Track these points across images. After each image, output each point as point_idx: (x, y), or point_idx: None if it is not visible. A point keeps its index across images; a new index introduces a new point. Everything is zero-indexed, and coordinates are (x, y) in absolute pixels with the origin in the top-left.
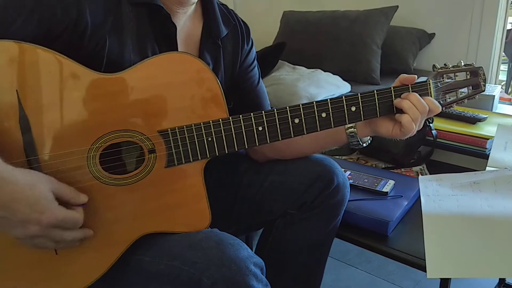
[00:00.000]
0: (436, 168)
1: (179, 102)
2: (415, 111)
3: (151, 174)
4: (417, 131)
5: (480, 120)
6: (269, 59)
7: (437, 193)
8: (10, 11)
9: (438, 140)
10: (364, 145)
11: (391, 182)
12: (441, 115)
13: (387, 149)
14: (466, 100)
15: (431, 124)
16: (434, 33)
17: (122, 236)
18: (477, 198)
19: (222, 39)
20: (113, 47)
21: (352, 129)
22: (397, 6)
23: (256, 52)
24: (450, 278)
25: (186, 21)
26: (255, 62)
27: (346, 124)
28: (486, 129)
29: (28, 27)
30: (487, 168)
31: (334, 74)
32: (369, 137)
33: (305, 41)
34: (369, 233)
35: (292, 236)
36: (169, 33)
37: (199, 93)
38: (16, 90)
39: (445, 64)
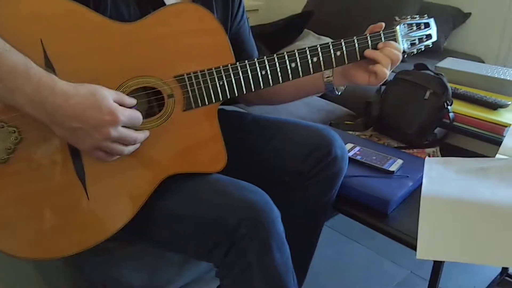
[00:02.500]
0: (450, 151)
1: (191, 50)
2: (387, 59)
3: (171, 118)
4: (434, 113)
5: (502, 106)
6: (294, 28)
7: (441, 176)
8: None
9: (454, 123)
10: (339, 93)
11: (399, 162)
12: (461, 98)
13: (401, 128)
14: (423, 47)
15: (449, 107)
16: (470, 13)
17: (148, 178)
18: (480, 184)
19: None
20: (115, 4)
21: (329, 78)
22: None
23: (282, 19)
24: (443, 262)
25: None
26: (245, 15)
27: (333, 67)
28: (506, 116)
29: None
30: (497, 156)
31: None
32: (344, 87)
33: (334, 12)
34: (370, 210)
35: (287, 203)
36: None
37: (208, 40)
38: (40, 39)
39: (404, 16)
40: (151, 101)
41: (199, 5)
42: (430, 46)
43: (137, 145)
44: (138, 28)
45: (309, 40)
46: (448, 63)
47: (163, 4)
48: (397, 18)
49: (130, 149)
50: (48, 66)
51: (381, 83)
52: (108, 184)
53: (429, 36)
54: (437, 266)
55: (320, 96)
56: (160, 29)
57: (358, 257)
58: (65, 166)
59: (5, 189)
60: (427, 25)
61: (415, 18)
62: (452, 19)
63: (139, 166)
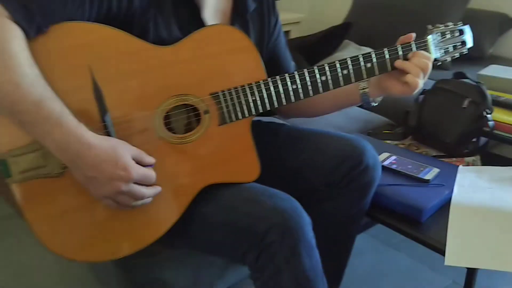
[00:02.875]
0: (490, 160)
1: (225, 68)
2: (416, 69)
3: (207, 132)
4: (473, 121)
5: None
6: (333, 39)
7: (472, 184)
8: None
9: (495, 131)
10: (376, 104)
11: (435, 170)
12: (503, 106)
13: (439, 137)
14: (458, 54)
15: (489, 115)
16: None
17: (187, 188)
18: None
19: (251, 13)
20: (157, 28)
21: (365, 89)
22: None
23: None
24: (477, 269)
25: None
26: (282, 32)
27: (364, 79)
28: None
29: (90, 9)
30: None
31: None
32: (380, 98)
33: (375, 21)
34: (404, 218)
35: (320, 212)
36: (194, 12)
37: (240, 59)
38: (89, 66)
39: (436, 25)
40: (190, 117)
41: (232, 26)
42: (466, 52)
43: (148, 200)
44: (176, 51)
45: (349, 50)
46: (490, 70)
47: (203, 25)
48: (429, 27)
49: (138, 203)
50: (96, 89)
51: (416, 92)
52: None
53: (464, 43)
54: (471, 273)
55: (359, 106)
56: (196, 50)
57: (398, 265)
58: None
59: (60, 199)
60: (461, 32)
61: (449, 25)
62: (499, 25)
63: (180, 177)
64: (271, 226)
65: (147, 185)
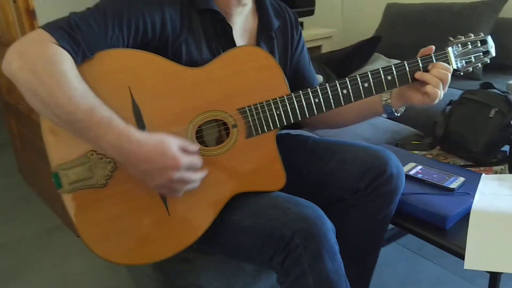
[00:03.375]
0: None
1: (251, 85)
2: (435, 79)
3: (236, 144)
4: (500, 131)
5: None
6: (362, 53)
7: (493, 192)
8: (113, 28)
9: None
10: (399, 114)
11: (460, 179)
12: None
13: (467, 147)
14: (480, 64)
15: None
16: None
17: (218, 196)
18: None
19: (275, 31)
20: (189, 51)
21: (387, 101)
22: None
23: (352, 45)
24: (500, 274)
25: (243, 19)
26: (305, 47)
27: (385, 91)
28: None
29: (128, 37)
30: None
31: None
32: (403, 108)
33: (404, 34)
34: (429, 225)
35: (347, 219)
36: (227, 32)
37: (265, 76)
38: (129, 87)
39: (458, 36)
40: (220, 131)
41: (257, 47)
42: (488, 62)
43: (197, 184)
44: (206, 72)
45: (379, 63)
46: None
47: (235, 44)
48: (451, 38)
49: (189, 187)
50: (135, 108)
51: (441, 102)
52: (185, 202)
53: (486, 53)
54: (494, 278)
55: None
56: (224, 70)
57: (428, 274)
58: (150, 188)
59: (105, 207)
60: (483, 42)
61: (470, 36)
62: None
63: (210, 187)
64: (295, 231)
65: (194, 171)
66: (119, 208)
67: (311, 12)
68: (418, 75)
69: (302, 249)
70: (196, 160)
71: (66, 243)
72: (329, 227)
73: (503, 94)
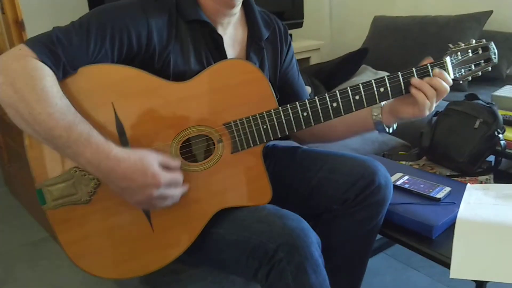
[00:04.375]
0: (504, 178)
1: (237, 99)
2: (429, 88)
3: (221, 160)
4: (485, 141)
5: None
6: (350, 64)
7: (478, 201)
8: (95, 42)
9: (508, 150)
10: (390, 130)
11: (446, 189)
12: None
13: (452, 157)
14: (480, 73)
15: (500, 135)
16: None
17: (203, 211)
18: None
19: (265, 41)
20: (177, 62)
21: (378, 116)
22: (491, 11)
23: (340, 57)
24: (486, 282)
25: (232, 29)
26: (294, 59)
27: (377, 103)
28: None
29: (112, 52)
30: None
31: None
32: (394, 124)
33: (391, 46)
34: (416, 235)
35: (336, 229)
36: (217, 43)
37: (252, 89)
38: (112, 103)
39: (458, 43)
40: (209, 145)
41: (244, 60)
42: (490, 69)
43: (177, 199)
44: (191, 86)
45: (366, 75)
46: (504, 91)
47: (225, 55)
48: (450, 46)
49: (170, 202)
50: (119, 125)
51: (427, 114)
52: (169, 218)
53: (488, 60)
54: (479, 287)
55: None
56: (210, 84)
57: (417, 284)
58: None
59: (89, 223)
60: (485, 49)
61: (471, 43)
62: None
63: (195, 202)
64: (279, 245)
65: (175, 187)
66: (103, 224)
67: (299, 25)
68: (414, 81)
69: (286, 263)
70: (177, 176)
71: (53, 256)
72: (313, 241)
73: (488, 105)
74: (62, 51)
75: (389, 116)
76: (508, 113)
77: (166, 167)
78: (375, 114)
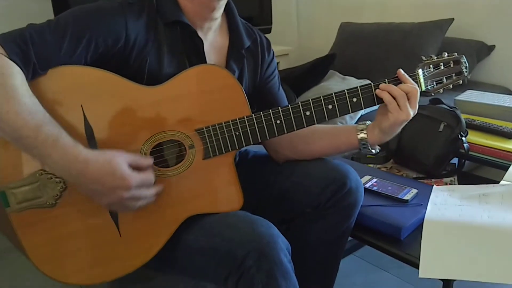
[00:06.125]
0: (467, 179)
1: (210, 105)
2: (391, 98)
3: (192, 166)
4: (449, 144)
5: None
6: (318, 70)
7: (444, 202)
8: (70, 43)
9: (470, 153)
10: (374, 151)
11: (413, 191)
12: (477, 128)
13: (418, 160)
14: (451, 85)
15: (463, 138)
16: (494, 45)
17: (172, 217)
18: (480, 209)
19: (246, 50)
20: (153, 64)
21: (363, 135)
22: (453, 19)
23: (308, 62)
24: (453, 281)
25: (213, 36)
26: (276, 71)
27: (349, 112)
28: None
29: (86, 54)
30: (502, 182)
31: None
32: (378, 147)
33: (357, 52)
34: (385, 236)
35: (308, 233)
36: (198, 46)
37: (226, 96)
38: (81, 105)
39: (430, 56)
40: (182, 150)
41: (217, 65)
42: (461, 83)
43: (151, 199)
44: (163, 91)
45: (334, 80)
46: (466, 95)
47: (204, 59)
48: (423, 58)
49: (142, 203)
50: (87, 127)
51: (404, 115)
52: (137, 223)
53: (459, 74)
54: (446, 286)
55: None
56: (183, 89)
57: (386, 285)
58: (100, 209)
59: (54, 227)
60: (457, 63)
61: (443, 56)
62: (476, 53)
63: (164, 208)
64: (248, 252)
65: (147, 187)
66: (69, 229)
67: (268, 30)
68: (383, 86)
69: (255, 270)
70: (149, 176)
71: (16, 266)
72: (283, 247)
73: (451, 109)
74: (34, 51)
75: (373, 129)
76: (471, 116)
77: (137, 167)
78: (361, 136)
